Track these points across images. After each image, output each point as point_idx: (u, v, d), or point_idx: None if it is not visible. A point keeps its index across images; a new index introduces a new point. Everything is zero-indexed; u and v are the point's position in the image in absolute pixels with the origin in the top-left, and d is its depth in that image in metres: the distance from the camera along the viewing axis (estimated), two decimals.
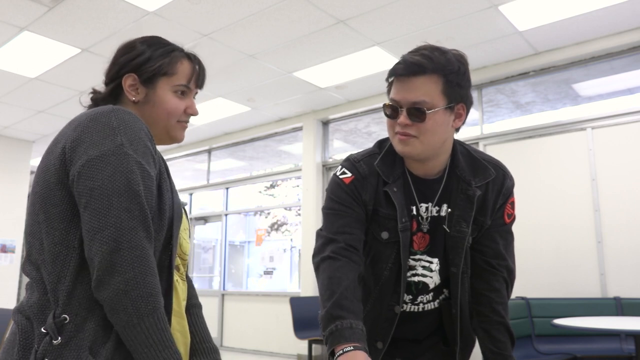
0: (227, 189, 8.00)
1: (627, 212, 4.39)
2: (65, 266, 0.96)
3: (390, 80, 1.22)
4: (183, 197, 8.57)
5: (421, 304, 1.30)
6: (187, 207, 8.48)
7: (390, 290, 1.25)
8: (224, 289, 7.64)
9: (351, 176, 1.27)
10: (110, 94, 1.17)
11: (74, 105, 6.40)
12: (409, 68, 1.16)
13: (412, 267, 1.26)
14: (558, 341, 4.03)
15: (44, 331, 0.93)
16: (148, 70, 1.15)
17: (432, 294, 1.30)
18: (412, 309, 1.30)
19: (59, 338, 0.92)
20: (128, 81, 1.15)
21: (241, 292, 7.67)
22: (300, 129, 6.96)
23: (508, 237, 1.32)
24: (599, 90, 5.03)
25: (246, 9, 4.15)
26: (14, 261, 7.85)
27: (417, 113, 1.15)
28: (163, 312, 0.96)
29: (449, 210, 1.26)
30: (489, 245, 1.29)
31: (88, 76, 5.51)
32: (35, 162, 9.08)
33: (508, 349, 1.25)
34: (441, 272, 1.29)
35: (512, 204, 1.32)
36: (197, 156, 8.47)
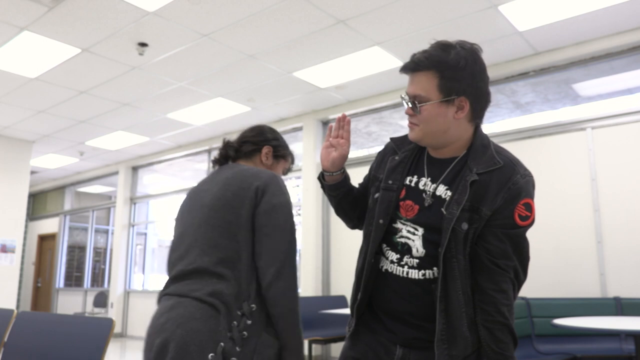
0: None
1: (627, 212, 4.39)
2: (253, 274, 1.44)
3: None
4: (183, 197, 8.55)
5: (406, 267, 1.33)
6: None
7: (370, 244, 1.40)
8: None
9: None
10: (249, 152, 1.70)
11: (74, 105, 6.41)
12: (409, 65, 1.34)
13: (399, 230, 1.38)
14: (558, 341, 4.04)
15: (240, 313, 1.38)
16: (280, 152, 1.76)
17: (417, 261, 1.32)
18: (398, 271, 1.35)
19: (249, 320, 1.39)
20: (265, 150, 1.72)
21: None
22: (300, 129, 6.96)
23: (519, 241, 1.30)
24: (599, 90, 5.03)
25: (246, 9, 4.15)
26: (14, 261, 7.85)
27: (413, 105, 1.33)
28: None
29: (449, 194, 1.32)
30: (495, 244, 1.28)
31: (88, 76, 5.51)
32: (35, 162, 9.09)
33: (510, 349, 1.25)
34: (425, 243, 1.32)
35: (528, 205, 1.29)
36: (197, 156, 8.47)
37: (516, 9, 4.13)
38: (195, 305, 1.36)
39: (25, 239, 9.96)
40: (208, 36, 4.61)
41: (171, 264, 1.52)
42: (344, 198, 1.54)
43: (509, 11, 4.16)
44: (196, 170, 8.62)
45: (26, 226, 10.14)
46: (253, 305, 1.40)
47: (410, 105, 1.34)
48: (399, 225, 1.37)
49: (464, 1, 4.03)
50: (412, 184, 1.39)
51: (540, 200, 5.17)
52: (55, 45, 4.76)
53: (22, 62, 5.18)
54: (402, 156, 1.45)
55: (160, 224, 9.56)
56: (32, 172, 9.45)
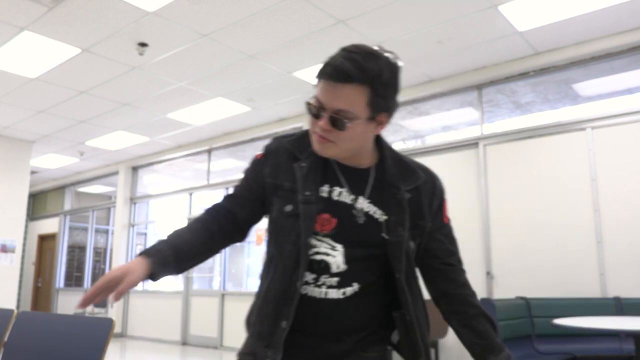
0: (227, 189, 8.00)
1: (627, 212, 4.39)
2: None
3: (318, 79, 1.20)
4: (183, 197, 8.58)
5: (324, 287, 1.23)
6: (187, 207, 8.49)
7: (293, 265, 1.22)
8: (224, 289, 7.64)
9: (262, 153, 1.35)
10: None
11: (74, 105, 6.41)
12: (338, 75, 1.15)
13: (315, 246, 1.22)
14: (558, 341, 4.03)
15: None
16: None
17: (336, 279, 1.23)
18: (314, 293, 1.23)
19: None
20: None
21: (241, 292, 7.67)
22: (300, 129, 6.95)
23: (451, 235, 1.37)
24: (599, 90, 5.03)
25: (246, 9, 4.15)
26: (14, 261, 7.85)
27: (339, 122, 1.15)
28: None
29: (385, 217, 1.25)
30: (438, 247, 1.32)
31: (88, 76, 5.51)
32: (35, 162, 9.09)
33: (492, 336, 1.25)
34: (347, 259, 1.22)
35: (446, 204, 1.38)
36: (197, 156, 8.47)
37: (516, 9, 4.13)
38: None
39: (25, 239, 9.95)
40: (208, 36, 4.61)
41: None
42: (188, 256, 1.26)
43: (509, 11, 4.16)
44: (196, 170, 8.62)
45: (26, 226, 10.13)
46: None
47: (328, 120, 1.15)
48: (313, 241, 1.22)
49: (464, 1, 4.03)
50: (327, 195, 1.25)
51: (541, 200, 5.13)
52: (55, 45, 4.76)
53: (22, 62, 5.18)
54: (309, 162, 1.26)
55: (160, 224, 9.56)
56: (32, 172, 9.45)
